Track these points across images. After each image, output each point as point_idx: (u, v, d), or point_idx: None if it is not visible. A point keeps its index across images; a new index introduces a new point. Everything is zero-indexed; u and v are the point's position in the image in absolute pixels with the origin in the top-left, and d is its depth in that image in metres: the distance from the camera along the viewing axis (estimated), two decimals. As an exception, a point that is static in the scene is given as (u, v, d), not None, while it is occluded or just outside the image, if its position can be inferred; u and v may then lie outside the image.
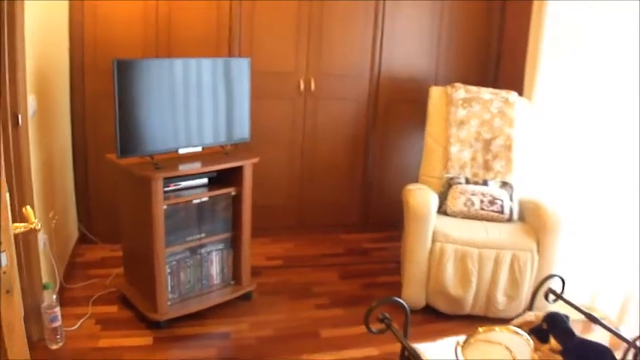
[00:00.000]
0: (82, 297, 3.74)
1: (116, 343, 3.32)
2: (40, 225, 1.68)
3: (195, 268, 3.63)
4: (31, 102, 3.15)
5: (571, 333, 2.28)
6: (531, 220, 3.86)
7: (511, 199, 4.01)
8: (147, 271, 3.43)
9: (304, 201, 4.86)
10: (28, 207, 1.67)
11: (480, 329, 2.19)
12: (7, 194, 1.51)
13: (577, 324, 2.40)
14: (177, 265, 3.54)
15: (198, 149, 3.59)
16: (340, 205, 4.97)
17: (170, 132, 3.44)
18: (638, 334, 2.36)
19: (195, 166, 3.47)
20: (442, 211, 3.97)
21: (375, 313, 2.30)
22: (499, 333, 2.19)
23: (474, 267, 3.65)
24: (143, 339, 3.37)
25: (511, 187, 4.07)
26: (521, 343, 2.17)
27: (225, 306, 3.71)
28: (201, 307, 3.59)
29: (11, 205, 1.55)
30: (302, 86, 4.56)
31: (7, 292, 1.52)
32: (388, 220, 4.82)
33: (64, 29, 4.05)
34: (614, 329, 2.44)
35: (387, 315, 2.31)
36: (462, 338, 2.22)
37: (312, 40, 4.51)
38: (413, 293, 3.74)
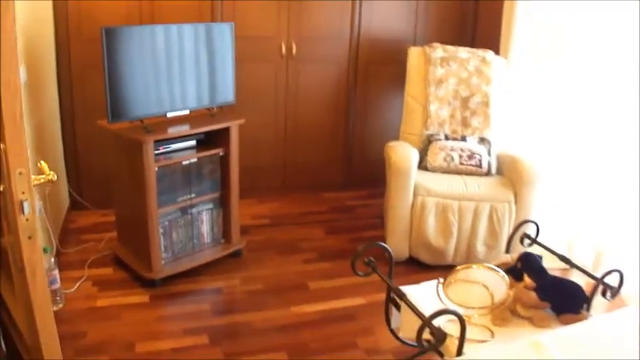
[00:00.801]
0: (77, 261, 3.85)
1: (114, 302, 3.45)
2: (56, 176, 1.80)
3: (187, 228, 3.76)
4: (22, 72, 3.22)
5: (543, 271, 2.45)
6: (509, 174, 4.02)
7: (489, 154, 4.16)
8: (140, 232, 3.55)
9: (288, 162, 4.99)
10: (42, 162, 1.79)
11: (459, 267, 2.34)
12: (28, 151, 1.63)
13: (553, 272, 2.56)
14: (170, 225, 3.67)
15: (186, 112, 3.69)
16: (324, 165, 5.11)
17: (158, 96, 3.53)
18: (606, 272, 2.53)
19: (184, 129, 3.58)
20: (423, 166, 4.11)
21: (361, 258, 2.45)
22: (477, 270, 2.34)
23: (454, 219, 3.81)
24: (140, 297, 3.50)
25: (489, 142, 4.22)
26: (498, 280, 2.33)
27: (217, 263, 3.86)
28: (193, 264, 3.73)
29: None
30: (284, 50, 4.66)
31: (30, 237, 1.65)
32: (370, 177, 4.97)
33: (49, 1, 4.10)
34: (583, 268, 2.61)
35: (372, 259, 2.46)
36: (443, 279, 2.38)
37: (293, 4, 4.59)
38: (396, 245, 3.90)
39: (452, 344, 2.16)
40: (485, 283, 2.37)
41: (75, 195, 4.50)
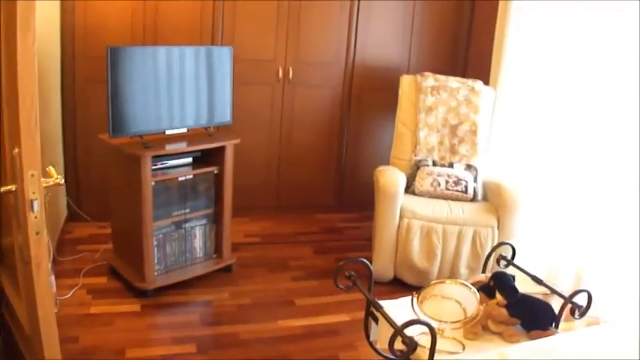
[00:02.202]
0: (72, 270, 3.98)
1: (106, 309, 3.57)
2: (63, 180, 1.95)
3: (180, 242, 3.90)
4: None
5: (514, 289, 2.58)
6: (493, 199, 4.17)
7: (475, 181, 4.31)
8: (135, 243, 3.68)
9: (282, 183, 5.15)
10: (51, 167, 1.95)
11: (433, 282, 2.48)
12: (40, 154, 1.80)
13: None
14: (164, 238, 3.80)
15: (184, 131, 3.85)
16: (316, 187, 5.27)
17: (158, 114, 3.69)
18: (574, 291, 2.66)
19: (181, 146, 3.74)
20: (411, 191, 4.26)
21: (342, 273, 2.58)
22: (450, 286, 2.48)
23: (438, 241, 3.95)
24: (131, 306, 3.63)
25: (475, 169, 4.38)
26: (470, 296, 2.46)
27: (208, 277, 3.99)
28: (185, 277, 3.86)
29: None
30: (281, 74, 4.83)
31: (37, 233, 1.80)
32: (361, 201, 5.11)
33: (56, 19, 4.27)
34: (553, 288, 2.74)
35: (353, 273, 2.59)
36: (417, 293, 2.51)
37: (291, 30, 4.78)
38: (382, 266, 4.04)
39: (423, 354, 2.28)
40: (458, 298, 2.50)
41: (73, 206, 4.64)
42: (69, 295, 3.66)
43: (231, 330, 3.48)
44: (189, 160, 3.88)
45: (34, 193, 1.78)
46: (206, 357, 3.19)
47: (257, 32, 4.70)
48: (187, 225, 3.91)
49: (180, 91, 3.75)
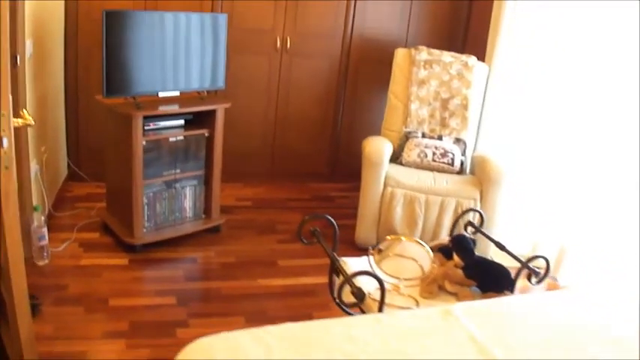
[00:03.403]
0: (68, 224, 4.15)
1: (96, 262, 3.74)
2: (33, 122, 2.10)
3: (170, 201, 4.04)
4: (28, 46, 3.53)
5: (471, 252, 2.69)
6: (478, 173, 4.26)
7: (463, 154, 4.40)
8: (126, 200, 3.83)
9: (277, 150, 5.26)
10: (25, 110, 2.10)
11: (389, 237, 2.59)
12: (10, 97, 1.94)
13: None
14: (154, 197, 3.94)
15: (177, 93, 3.97)
16: (310, 156, 5.38)
17: (152, 76, 3.81)
18: (531, 257, 2.76)
19: (173, 108, 3.87)
20: (399, 161, 4.36)
21: (308, 227, 2.71)
22: (410, 246, 2.59)
23: (420, 211, 4.06)
24: (120, 260, 3.79)
25: (464, 142, 4.46)
26: (425, 254, 2.57)
27: (196, 236, 4.15)
28: (173, 234, 4.02)
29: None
30: (279, 43, 4.93)
31: (6, 167, 1.96)
32: (354, 171, 5.14)
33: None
34: (512, 253, 2.83)
35: (317, 229, 2.72)
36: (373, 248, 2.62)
37: (290, 1, 4.86)
38: (365, 233, 4.16)
39: (374, 306, 2.40)
40: (416, 258, 2.61)
41: (73, 166, 4.80)
42: (61, 248, 3.82)
43: (213, 285, 3.63)
44: (182, 122, 4.00)
45: (4, 130, 1.91)
46: (185, 309, 3.34)
47: (257, 2, 4.79)
48: (178, 185, 4.05)
49: (175, 55, 3.86)
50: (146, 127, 3.77)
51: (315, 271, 3.83)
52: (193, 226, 4.15)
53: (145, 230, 3.92)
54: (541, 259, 2.75)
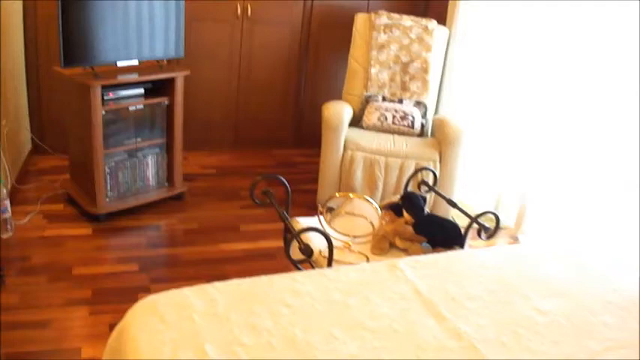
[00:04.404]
0: (32, 197, 4.16)
1: (60, 233, 3.77)
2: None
3: (133, 170, 4.06)
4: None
5: (421, 209, 2.75)
6: (438, 135, 4.32)
7: (423, 117, 4.46)
8: (88, 171, 3.85)
9: (240, 118, 5.28)
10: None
11: (337, 194, 2.65)
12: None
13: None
14: (116, 166, 3.97)
15: (136, 63, 3.97)
16: (274, 123, 5.41)
17: (110, 46, 3.78)
18: (481, 212, 2.83)
19: (132, 77, 3.87)
20: (359, 125, 4.41)
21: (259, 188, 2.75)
22: (360, 204, 2.66)
23: (380, 173, 4.12)
24: (84, 230, 3.82)
25: (424, 105, 4.52)
26: (373, 211, 2.63)
27: (159, 204, 4.19)
28: (136, 203, 4.05)
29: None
30: (239, 11, 4.92)
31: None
32: (318, 137, 5.21)
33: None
34: (461, 208, 2.90)
35: (269, 190, 2.77)
36: (322, 207, 2.68)
37: (250, -34, 4.86)
38: (326, 196, 4.16)
39: (325, 263, 2.47)
40: (367, 216, 2.67)
41: (36, 140, 4.79)
42: (25, 221, 3.84)
43: (175, 252, 3.69)
44: (141, 91, 4.01)
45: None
46: (147, 275, 3.40)
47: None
48: (140, 154, 4.07)
49: (133, 24, 3.84)
50: (105, 97, 3.78)
51: (277, 235, 3.86)
52: (156, 194, 4.19)
53: (108, 200, 3.95)
54: (490, 214, 2.82)
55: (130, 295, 3.17)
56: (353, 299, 2.07)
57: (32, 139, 4.82)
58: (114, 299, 3.14)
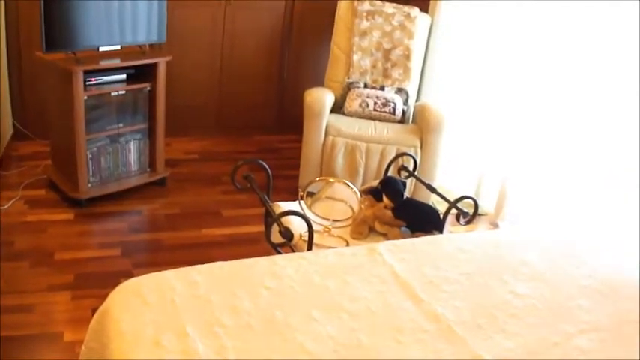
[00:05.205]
0: (14, 183, 4.16)
1: (42, 218, 3.78)
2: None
3: (115, 155, 4.07)
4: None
5: (400, 193, 2.79)
6: (419, 121, 4.36)
7: (405, 104, 4.49)
8: (70, 156, 3.86)
9: (223, 104, 5.30)
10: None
11: (317, 179, 2.68)
12: None
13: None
14: (98, 151, 3.97)
15: (118, 48, 3.96)
16: (256, 109, 5.43)
17: (92, 31, 3.78)
18: (460, 197, 2.87)
19: (114, 62, 3.88)
20: (341, 111, 4.44)
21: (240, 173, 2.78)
22: (340, 188, 2.69)
23: (361, 159, 4.16)
24: (66, 215, 3.84)
25: (406, 92, 4.55)
26: (353, 195, 2.67)
27: (142, 190, 4.20)
28: (118, 188, 4.07)
29: None
30: (222, -5, 4.92)
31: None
32: (301, 123, 5.24)
33: None
34: (440, 194, 2.95)
35: (250, 175, 2.80)
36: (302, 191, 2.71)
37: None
38: (307, 181, 4.22)
39: (305, 247, 2.50)
40: (345, 199, 2.71)
41: (18, 125, 4.77)
42: (7, 206, 3.84)
43: (157, 237, 3.71)
44: (123, 76, 4.01)
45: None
46: (130, 259, 3.42)
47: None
48: (122, 139, 4.08)
49: (115, 8, 3.83)
50: (87, 82, 3.79)
51: (259, 220, 3.86)
52: (138, 179, 4.21)
53: (90, 185, 3.96)
54: (469, 200, 2.86)
55: (112, 280, 3.16)
56: (332, 282, 2.11)
57: (14, 124, 4.80)
58: (96, 284, 3.16)
